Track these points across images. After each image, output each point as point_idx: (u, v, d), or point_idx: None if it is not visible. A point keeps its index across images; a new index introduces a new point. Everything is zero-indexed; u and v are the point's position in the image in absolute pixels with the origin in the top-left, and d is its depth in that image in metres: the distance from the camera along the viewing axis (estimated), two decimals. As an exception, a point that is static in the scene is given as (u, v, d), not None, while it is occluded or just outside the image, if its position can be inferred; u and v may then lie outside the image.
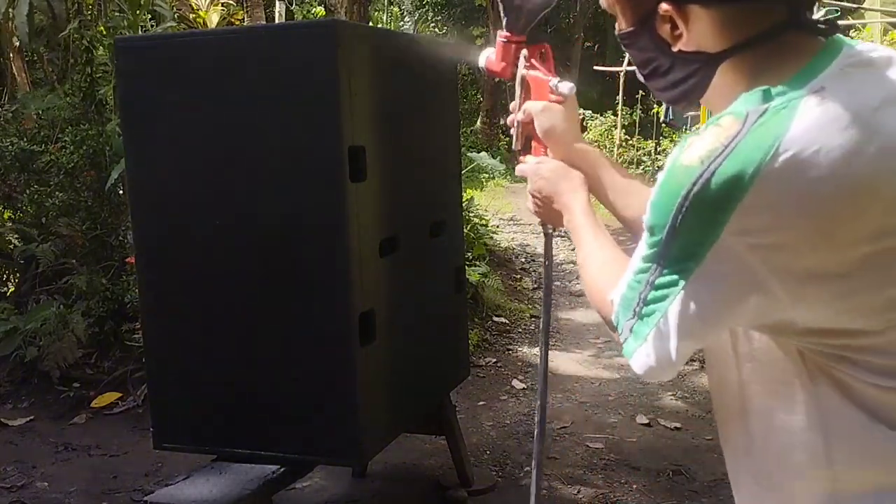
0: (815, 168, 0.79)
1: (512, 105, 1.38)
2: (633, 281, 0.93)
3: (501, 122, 18.95)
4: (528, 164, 1.32)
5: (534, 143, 1.33)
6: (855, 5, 8.17)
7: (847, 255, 0.82)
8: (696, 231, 0.84)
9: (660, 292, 0.89)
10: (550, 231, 1.41)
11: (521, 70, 1.34)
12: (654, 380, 0.98)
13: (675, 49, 0.95)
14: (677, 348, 0.90)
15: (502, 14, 1.35)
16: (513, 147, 1.37)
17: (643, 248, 0.91)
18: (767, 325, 0.91)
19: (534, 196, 1.30)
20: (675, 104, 1.07)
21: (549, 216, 1.30)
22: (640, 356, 0.93)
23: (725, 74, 0.94)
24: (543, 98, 1.30)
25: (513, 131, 1.36)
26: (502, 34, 1.36)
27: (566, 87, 1.28)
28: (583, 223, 1.18)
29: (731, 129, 0.82)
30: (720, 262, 0.83)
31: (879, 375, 0.87)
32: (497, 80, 14.31)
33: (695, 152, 0.84)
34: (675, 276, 0.87)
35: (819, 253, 0.81)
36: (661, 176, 0.88)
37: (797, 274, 0.82)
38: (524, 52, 1.34)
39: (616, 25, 1.03)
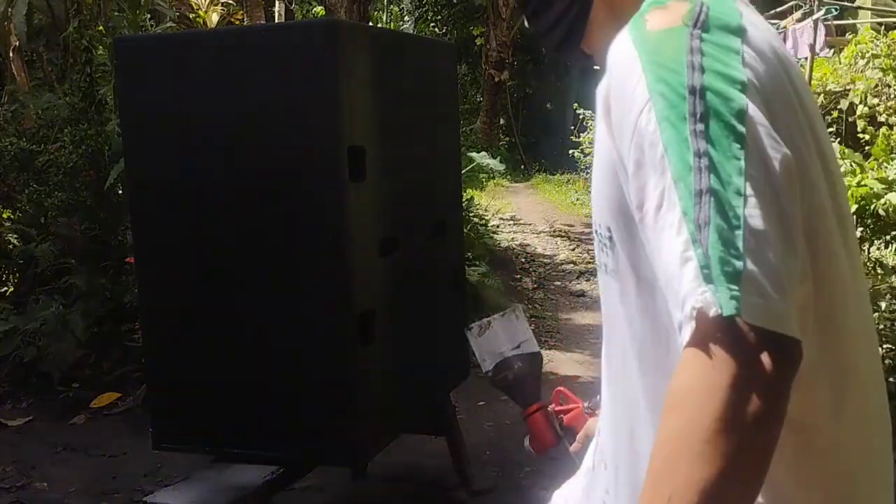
0: (763, 36, 0.76)
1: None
2: (681, 215, 0.66)
3: (501, 122, 18.98)
4: None
5: None
6: (851, 4, 8.18)
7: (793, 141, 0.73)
8: (721, 71, 0.69)
9: (723, 192, 0.65)
10: None
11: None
12: (784, 326, 0.62)
13: None
14: (783, 253, 0.64)
15: (512, 397, 1.31)
16: None
17: (674, 153, 0.67)
18: None
19: None
20: (563, 50, 1.00)
21: None
22: (748, 303, 0.62)
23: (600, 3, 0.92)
24: (583, 421, 1.26)
25: None
26: (525, 414, 1.30)
27: (595, 403, 1.24)
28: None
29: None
30: (758, 107, 0.68)
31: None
32: (497, 80, 14.23)
33: (665, 18, 0.74)
34: (727, 157, 0.66)
35: (790, 125, 0.73)
36: (638, 66, 0.72)
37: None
38: (550, 409, 1.29)
39: None
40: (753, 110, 0.68)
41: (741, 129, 0.67)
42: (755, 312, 0.62)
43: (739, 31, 0.73)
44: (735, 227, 0.64)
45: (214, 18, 8.55)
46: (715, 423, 0.60)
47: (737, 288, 0.62)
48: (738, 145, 0.66)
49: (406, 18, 19.21)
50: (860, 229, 5.73)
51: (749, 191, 0.65)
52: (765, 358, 0.61)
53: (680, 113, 0.68)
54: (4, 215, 5.12)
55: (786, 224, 0.66)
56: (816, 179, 0.75)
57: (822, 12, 6.79)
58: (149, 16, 6.39)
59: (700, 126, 0.67)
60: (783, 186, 0.67)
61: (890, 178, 5.52)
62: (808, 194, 0.72)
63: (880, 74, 6.78)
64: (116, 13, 5.60)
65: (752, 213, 0.64)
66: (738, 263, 0.62)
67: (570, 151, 14.04)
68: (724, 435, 0.60)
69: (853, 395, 0.79)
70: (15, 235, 4.96)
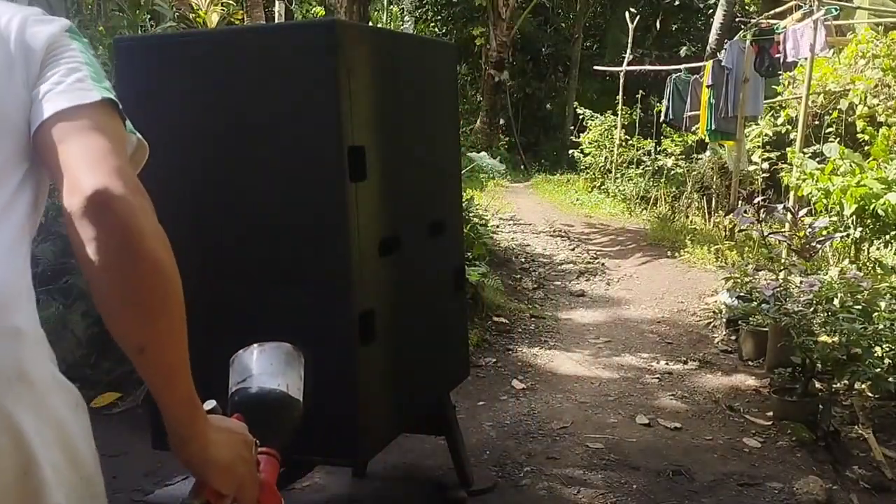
0: None
1: None
2: None
3: (501, 122, 18.99)
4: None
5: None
6: (850, 4, 8.19)
7: None
8: None
9: None
10: None
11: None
12: None
13: None
14: None
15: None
16: None
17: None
18: None
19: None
20: None
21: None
22: None
23: None
24: None
25: None
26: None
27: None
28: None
29: None
30: None
31: None
32: (497, 80, 14.21)
33: None
34: None
35: None
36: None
37: None
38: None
39: None
40: None
41: None
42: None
43: None
44: None
45: (214, 19, 8.54)
46: None
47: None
48: None
49: (406, 18, 19.23)
50: (860, 229, 5.74)
51: None
52: None
53: None
54: (4, 215, 5.12)
55: None
56: None
57: (821, 12, 6.79)
58: (148, 16, 6.39)
59: None
60: None
61: (889, 178, 5.53)
62: None
63: (880, 74, 6.79)
64: (116, 13, 5.60)
65: None
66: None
67: (570, 151, 14.08)
68: None
69: None
70: (15, 235, 4.96)
